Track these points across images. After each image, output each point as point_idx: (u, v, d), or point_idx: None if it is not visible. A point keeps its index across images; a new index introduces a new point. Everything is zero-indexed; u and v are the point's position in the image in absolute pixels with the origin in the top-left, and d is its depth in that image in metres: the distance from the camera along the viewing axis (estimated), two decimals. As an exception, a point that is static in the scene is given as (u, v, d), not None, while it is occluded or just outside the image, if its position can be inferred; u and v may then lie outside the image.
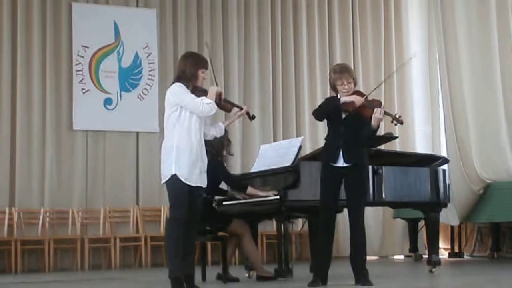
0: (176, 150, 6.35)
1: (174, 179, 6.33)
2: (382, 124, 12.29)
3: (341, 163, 6.74)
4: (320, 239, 6.91)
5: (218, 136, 6.78)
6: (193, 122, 6.42)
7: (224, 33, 12.47)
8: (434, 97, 12.72)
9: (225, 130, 7.90)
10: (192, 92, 6.49)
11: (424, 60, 13.20)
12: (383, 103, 6.85)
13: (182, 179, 6.31)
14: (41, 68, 11.41)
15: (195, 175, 6.38)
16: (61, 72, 11.55)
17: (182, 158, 6.33)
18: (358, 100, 6.67)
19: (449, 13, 11.40)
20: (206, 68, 6.60)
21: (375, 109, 6.56)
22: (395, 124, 6.71)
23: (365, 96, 6.73)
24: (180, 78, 6.51)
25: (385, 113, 6.62)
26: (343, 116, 6.76)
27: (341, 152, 6.73)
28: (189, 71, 6.49)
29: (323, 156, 6.94)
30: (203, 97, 6.41)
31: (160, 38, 12.10)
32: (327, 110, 6.86)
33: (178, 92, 6.43)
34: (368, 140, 6.86)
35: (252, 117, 6.83)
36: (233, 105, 6.82)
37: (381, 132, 11.42)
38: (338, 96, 6.83)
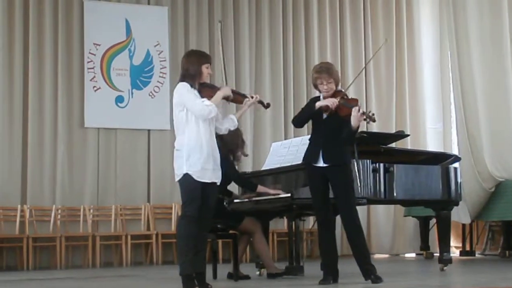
0: (187, 149, 6.38)
1: (186, 177, 6.36)
2: (392, 121, 12.44)
3: (321, 163, 6.74)
4: (321, 238, 6.93)
5: (232, 129, 6.75)
6: (202, 120, 6.42)
7: (236, 31, 12.47)
8: (445, 95, 12.71)
9: (239, 129, 7.96)
10: (200, 89, 6.50)
11: (435, 57, 13.19)
12: (359, 102, 6.83)
13: (195, 177, 6.34)
14: (53, 65, 11.45)
15: (208, 172, 6.41)
16: (72, 69, 11.58)
17: (193, 157, 6.36)
18: (332, 102, 6.65)
19: (460, 10, 11.36)
20: (210, 63, 6.60)
21: (353, 108, 6.55)
22: (368, 122, 6.70)
23: (342, 95, 6.72)
24: (184, 77, 6.53)
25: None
26: (324, 116, 6.76)
27: (321, 152, 6.74)
28: (192, 68, 6.49)
29: (305, 156, 6.96)
30: (205, 99, 6.39)
31: (172, 36, 12.12)
32: (304, 118, 6.96)
33: (180, 91, 6.46)
34: (348, 140, 6.82)
35: (267, 105, 6.87)
36: (244, 96, 6.80)
37: (392, 130, 11.44)
38: (321, 96, 6.84)
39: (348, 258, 7.32)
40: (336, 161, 6.72)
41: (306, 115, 6.92)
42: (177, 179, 6.46)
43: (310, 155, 6.86)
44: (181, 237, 6.39)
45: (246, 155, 8.28)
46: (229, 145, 7.77)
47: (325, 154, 6.72)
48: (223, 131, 6.70)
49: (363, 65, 12.88)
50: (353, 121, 6.56)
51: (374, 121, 6.63)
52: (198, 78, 6.51)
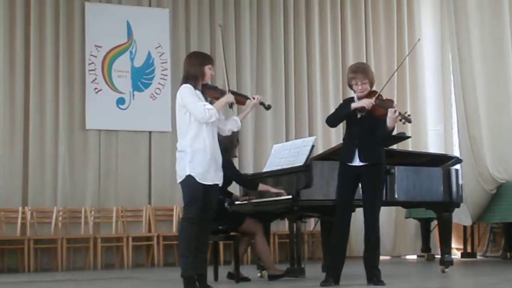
0: (190, 151, 6.39)
1: (188, 179, 6.36)
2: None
3: (357, 162, 6.75)
4: (335, 238, 6.90)
5: (235, 129, 6.78)
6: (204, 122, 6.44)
7: (237, 33, 12.47)
8: (446, 97, 12.71)
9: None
10: (203, 90, 6.52)
11: (437, 59, 13.19)
12: (395, 102, 6.86)
13: (197, 179, 6.35)
14: (54, 67, 11.45)
15: (211, 174, 6.43)
16: (74, 71, 11.58)
17: (196, 159, 6.36)
18: (368, 103, 6.66)
19: (462, 12, 11.36)
20: (212, 64, 6.61)
21: (389, 110, 6.58)
22: (403, 123, 6.73)
23: (377, 95, 6.74)
24: (187, 78, 6.54)
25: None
26: (358, 116, 6.78)
27: (357, 152, 6.74)
28: (194, 70, 6.50)
29: (340, 155, 6.95)
30: (207, 103, 6.42)
31: (173, 38, 12.12)
32: (339, 118, 6.99)
33: (183, 93, 6.47)
34: (384, 140, 6.87)
35: (268, 107, 6.87)
36: (245, 97, 6.80)
37: (394, 132, 11.43)
38: (355, 96, 6.86)
39: (348, 260, 7.32)
40: (372, 160, 6.73)
41: (341, 116, 6.95)
42: (179, 180, 6.47)
43: (345, 154, 6.84)
44: (182, 239, 6.40)
45: (235, 156, 8.24)
46: (226, 144, 7.71)
47: (361, 153, 6.73)
48: (227, 132, 6.72)
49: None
50: (389, 122, 6.61)
51: (410, 122, 6.71)
52: (201, 80, 6.52)
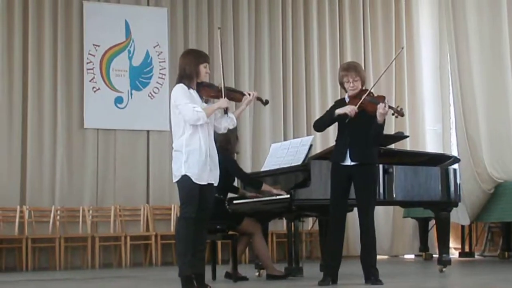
0: (186, 151, 6.36)
1: (184, 179, 6.35)
2: (392, 122, 12.46)
3: (348, 162, 6.76)
4: (331, 238, 6.92)
5: (231, 127, 6.68)
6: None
7: (235, 32, 12.47)
8: (445, 96, 12.71)
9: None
10: (198, 89, 6.48)
11: (435, 58, 13.19)
12: (387, 98, 6.86)
13: (193, 179, 6.33)
14: (52, 66, 11.45)
15: (206, 173, 6.39)
16: (72, 70, 11.58)
17: (192, 158, 6.34)
18: (351, 110, 6.69)
19: (460, 11, 11.37)
20: (208, 62, 6.56)
21: (379, 105, 6.60)
22: (396, 117, 6.76)
23: (368, 93, 6.75)
24: (181, 77, 6.50)
25: (388, 107, 6.66)
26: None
27: (348, 151, 6.75)
28: (189, 68, 6.47)
29: (332, 155, 6.97)
30: (197, 106, 6.32)
31: (171, 37, 12.12)
32: (325, 124, 7.02)
33: (176, 93, 6.43)
34: (378, 137, 6.86)
35: (265, 102, 6.87)
36: (242, 93, 6.74)
37: (391, 131, 11.44)
38: (346, 96, 6.88)
39: (346, 259, 7.33)
40: (363, 159, 6.75)
41: (326, 121, 6.99)
42: (175, 180, 6.45)
43: (337, 153, 6.86)
44: (180, 239, 6.37)
45: (237, 153, 8.25)
46: (222, 143, 7.72)
47: (352, 152, 6.74)
48: (222, 130, 6.66)
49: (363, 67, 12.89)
50: (379, 116, 6.62)
51: (402, 115, 6.73)
52: (196, 78, 6.48)
